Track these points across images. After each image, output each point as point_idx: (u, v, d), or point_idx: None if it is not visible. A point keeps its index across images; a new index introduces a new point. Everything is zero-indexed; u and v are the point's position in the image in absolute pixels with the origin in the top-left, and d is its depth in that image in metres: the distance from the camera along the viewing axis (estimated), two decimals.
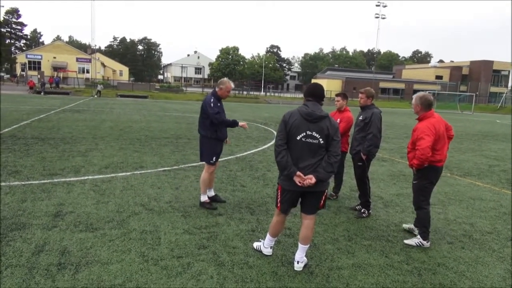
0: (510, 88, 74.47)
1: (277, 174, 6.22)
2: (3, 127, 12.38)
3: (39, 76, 50.82)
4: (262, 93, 68.13)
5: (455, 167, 9.58)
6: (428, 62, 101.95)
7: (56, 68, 63.07)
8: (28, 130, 12.07)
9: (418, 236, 4.63)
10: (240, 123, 5.39)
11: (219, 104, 5.35)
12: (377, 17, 63.19)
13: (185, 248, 4.14)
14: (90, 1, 60.70)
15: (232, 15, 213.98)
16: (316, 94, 3.70)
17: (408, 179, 7.42)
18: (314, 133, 3.54)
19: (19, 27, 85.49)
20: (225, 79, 5.46)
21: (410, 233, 4.92)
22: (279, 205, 3.84)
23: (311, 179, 3.51)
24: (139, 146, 10.24)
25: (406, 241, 4.65)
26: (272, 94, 67.01)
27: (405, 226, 5.08)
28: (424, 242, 4.55)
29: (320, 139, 3.54)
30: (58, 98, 33.50)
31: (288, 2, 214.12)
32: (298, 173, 3.54)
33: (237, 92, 61.37)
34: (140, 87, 56.00)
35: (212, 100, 5.31)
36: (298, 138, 3.56)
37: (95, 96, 41.47)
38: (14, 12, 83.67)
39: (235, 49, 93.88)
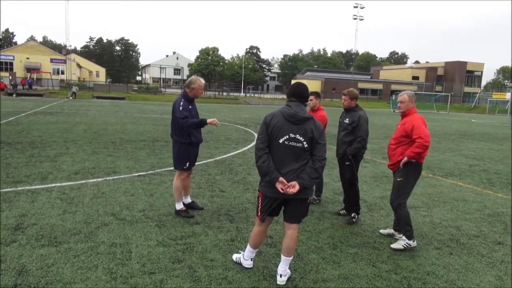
0: (483, 88, 76.70)
1: (258, 178, 5.91)
2: None
3: (10, 77, 48.97)
4: (242, 94, 67.80)
5: (436, 167, 9.53)
6: (405, 63, 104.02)
7: (29, 69, 60.96)
8: None
9: (404, 237, 4.45)
10: (209, 120, 5.01)
11: (190, 107, 5.01)
12: (355, 19, 63.92)
13: (158, 263, 3.80)
14: (64, 0, 58.85)
15: (212, 16, 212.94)
16: (299, 94, 3.44)
17: (392, 180, 7.27)
18: (297, 136, 3.28)
19: None
20: (194, 77, 5.11)
21: (391, 237, 4.74)
22: (259, 213, 3.56)
23: (294, 186, 3.24)
24: (113, 150, 9.78)
25: (392, 246, 4.45)
26: (252, 95, 66.76)
27: (383, 231, 4.91)
28: (411, 242, 4.38)
29: (304, 142, 3.28)
30: (31, 100, 32.27)
31: (268, 2, 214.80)
32: (281, 179, 3.27)
33: (217, 93, 60.93)
34: (118, 88, 54.75)
35: (182, 103, 4.97)
36: (281, 141, 3.29)
37: (70, 98, 40.22)
38: None
39: (215, 49, 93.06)
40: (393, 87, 71.25)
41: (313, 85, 67.51)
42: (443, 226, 5.27)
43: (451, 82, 73.79)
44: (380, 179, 7.87)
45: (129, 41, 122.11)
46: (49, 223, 4.69)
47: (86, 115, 20.18)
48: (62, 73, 63.98)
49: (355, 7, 63.43)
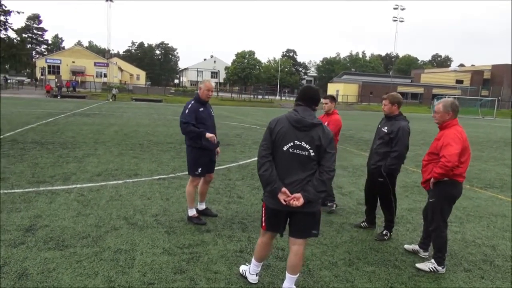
0: None
1: None
2: (8, 131, 12.22)
3: (56, 80, 51.51)
4: (277, 97, 67.57)
5: (476, 178, 8.84)
6: (448, 66, 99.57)
7: (74, 72, 64.00)
8: (31, 134, 11.86)
9: (432, 261, 4.02)
10: (208, 135, 4.80)
11: (201, 109, 4.84)
12: (395, 20, 61.99)
13: (160, 273, 3.64)
14: (106, 4, 61.39)
15: (250, 19, 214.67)
16: (308, 98, 3.16)
17: (423, 190, 6.75)
18: (303, 143, 3.01)
19: (40, 33, 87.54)
20: (205, 79, 4.98)
21: (416, 254, 4.33)
22: (263, 224, 3.32)
23: (298, 199, 2.97)
24: (139, 152, 9.86)
25: (418, 265, 4.05)
26: (287, 98, 66.37)
27: (408, 247, 4.48)
28: (439, 268, 3.95)
29: (311, 151, 3.01)
30: (73, 102, 33.76)
31: (306, 6, 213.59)
32: (284, 189, 3.01)
33: (252, 96, 61.07)
34: (156, 91, 56.26)
35: (190, 105, 4.82)
36: (285, 148, 3.04)
37: (110, 100, 41.71)
38: (35, 18, 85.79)
39: (251, 53, 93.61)
40: (435, 91, 68.38)
41: (350, 89, 66.18)
42: (476, 245, 4.77)
43: (499, 86, 69.79)
44: (410, 189, 7.36)
45: (169, 45, 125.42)
46: (61, 225, 4.68)
47: (121, 117, 20.73)
48: (105, 76, 66.60)
49: (395, 8, 61.55)
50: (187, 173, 7.64)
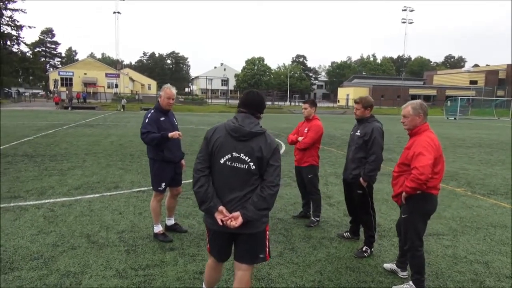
0: None
1: None
2: (3, 144, 12.15)
3: (67, 92, 52.25)
4: (287, 103, 67.17)
5: (479, 184, 8.28)
6: (462, 67, 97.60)
7: (86, 84, 64.89)
8: (24, 147, 11.75)
9: (411, 283, 3.58)
10: (170, 134, 4.45)
11: (162, 119, 4.50)
12: (403, 22, 61.10)
13: None
14: (114, 16, 62.14)
15: (259, 27, 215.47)
16: (250, 103, 2.79)
17: None
18: (241, 155, 2.64)
19: (53, 46, 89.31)
20: (166, 85, 4.63)
21: (396, 274, 3.89)
22: (208, 245, 2.96)
23: (236, 218, 2.60)
24: (128, 163, 9.60)
25: None
26: (298, 104, 65.89)
27: (387, 266, 4.04)
28: None
29: (251, 163, 2.63)
30: (82, 113, 34.01)
31: (315, 10, 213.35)
32: (220, 208, 2.65)
33: None
34: None
35: (149, 115, 4.49)
36: (222, 161, 2.67)
37: (121, 110, 41.99)
38: (48, 31, 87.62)
39: (261, 59, 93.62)
40: (448, 92, 66.96)
41: (360, 92, 65.30)
42: (467, 261, 4.29)
43: None
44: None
45: (179, 55, 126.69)
46: (16, 245, 4.39)
47: (124, 126, 20.65)
48: (116, 86, 67.31)
49: (403, 10, 60.67)
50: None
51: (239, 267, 2.81)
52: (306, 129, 5.41)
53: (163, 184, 4.60)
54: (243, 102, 2.80)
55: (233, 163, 2.65)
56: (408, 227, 3.51)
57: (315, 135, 5.28)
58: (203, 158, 2.74)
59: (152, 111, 4.55)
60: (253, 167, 2.63)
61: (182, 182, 5.08)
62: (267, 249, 2.84)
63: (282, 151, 12.36)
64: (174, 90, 4.57)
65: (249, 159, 2.63)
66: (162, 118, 4.51)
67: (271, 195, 2.62)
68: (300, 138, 5.41)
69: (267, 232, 2.85)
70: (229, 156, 2.65)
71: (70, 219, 5.32)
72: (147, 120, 4.44)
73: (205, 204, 2.68)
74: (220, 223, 2.63)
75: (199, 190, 2.69)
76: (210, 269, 3.02)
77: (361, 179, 4.39)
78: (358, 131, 4.49)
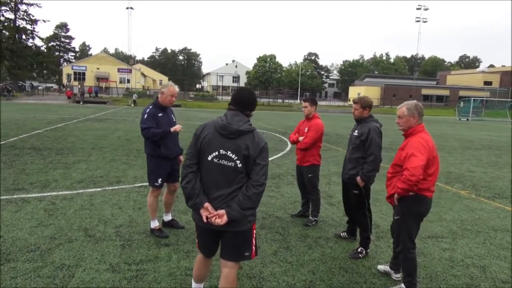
0: None
1: (265, 193, 5.40)
2: (13, 136, 12.36)
3: (79, 86, 52.86)
4: (298, 101, 66.90)
5: (484, 186, 8.14)
6: (477, 67, 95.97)
7: (98, 79, 65.58)
8: (33, 140, 11.93)
9: (402, 286, 3.55)
10: (172, 129, 4.52)
11: (160, 115, 4.55)
12: (418, 21, 60.29)
13: None
14: (126, 11, 62.75)
15: (272, 24, 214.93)
16: (240, 101, 2.78)
17: None
18: (229, 152, 2.64)
19: (67, 41, 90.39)
20: (169, 82, 4.68)
21: (389, 276, 3.86)
22: (196, 241, 2.99)
23: (221, 216, 2.60)
24: (132, 158, 9.68)
25: None
26: None
27: (381, 267, 4.00)
28: None
29: (237, 161, 2.63)
30: (93, 107, 34.39)
31: (328, 8, 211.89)
32: (206, 205, 2.66)
33: (271, 100, 60.74)
34: None
35: (148, 110, 4.54)
36: (210, 158, 2.68)
37: (132, 105, 42.34)
38: (63, 26, 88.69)
39: (272, 57, 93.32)
40: (462, 93, 65.87)
41: (372, 92, 64.77)
42: (464, 265, 4.22)
43: None
44: None
45: (192, 51, 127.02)
46: (14, 236, 4.47)
47: (133, 121, 20.84)
48: (128, 81, 67.86)
49: (417, 9, 59.86)
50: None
51: (225, 264, 2.81)
52: (306, 128, 5.38)
53: (160, 179, 4.64)
54: (233, 99, 2.80)
55: (220, 161, 2.65)
56: (400, 228, 3.47)
57: (315, 135, 5.25)
58: (192, 155, 2.76)
59: (151, 106, 4.60)
60: (239, 165, 2.63)
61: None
62: (253, 247, 2.84)
63: (287, 149, 12.33)
64: (177, 88, 4.62)
65: (236, 157, 2.63)
66: (160, 114, 4.55)
67: (257, 194, 2.61)
68: (300, 138, 5.38)
69: (254, 231, 2.84)
70: (217, 153, 2.66)
71: (70, 213, 5.39)
72: (146, 116, 4.49)
73: (192, 200, 2.69)
74: (205, 220, 2.64)
75: (186, 186, 2.70)
76: (199, 264, 3.05)
77: (358, 178, 4.36)
78: (356, 131, 4.47)
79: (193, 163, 2.74)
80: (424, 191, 3.31)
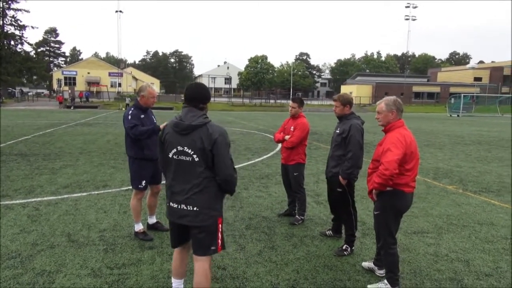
0: None
1: (253, 193, 5.43)
2: (0, 143, 12.21)
3: (70, 91, 52.55)
4: (289, 101, 67.04)
5: (472, 181, 8.19)
6: (467, 63, 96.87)
7: (89, 83, 65.17)
8: (20, 146, 11.81)
9: (385, 281, 3.54)
10: (161, 126, 4.48)
11: (142, 116, 4.56)
12: (407, 19, 60.71)
13: None
14: (116, 15, 62.46)
15: (262, 25, 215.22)
16: (189, 97, 2.84)
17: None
18: (185, 148, 2.74)
19: (57, 46, 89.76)
20: (144, 84, 4.70)
21: (373, 272, 3.85)
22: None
23: None
24: (120, 162, 9.61)
25: (369, 286, 3.58)
26: None
27: (365, 264, 3.99)
28: None
29: (194, 156, 2.72)
30: (84, 112, 34.18)
31: (318, 9, 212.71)
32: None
33: (263, 101, 60.77)
34: (167, 98, 56.70)
35: (130, 112, 4.55)
36: (170, 155, 2.82)
37: (123, 109, 42.10)
38: (52, 31, 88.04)
39: (264, 57, 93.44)
40: (452, 89, 66.47)
41: (364, 90, 65.11)
42: (448, 260, 4.23)
43: None
44: None
45: (183, 53, 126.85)
46: None
47: (123, 125, 20.64)
48: (119, 85, 67.53)
49: (406, 7, 60.29)
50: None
51: (196, 258, 2.90)
52: (292, 127, 5.37)
53: (144, 182, 4.61)
54: (184, 97, 2.88)
55: (179, 156, 2.77)
56: (379, 224, 3.47)
57: (301, 133, 5.26)
58: (160, 155, 2.94)
59: (132, 109, 4.59)
60: (196, 159, 2.72)
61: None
62: (219, 241, 2.90)
63: (277, 149, 12.32)
64: (155, 87, 4.62)
65: (192, 152, 2.72)
66: (142, 116, 4.57)
67: (231, 185, 2.81)
68: (287, 137, 5.37)
69: (220, 225, 2.89)
70: (175, 150, 2.78)
71: (53, 218, 5.33)
72: (130, 117, 4.48)
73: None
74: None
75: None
76: (175, 258, 3.14)
77: (339, 177, 4.35)
78: (338, 129, 4.47)
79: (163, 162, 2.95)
80: (402, 186, 3.30)
